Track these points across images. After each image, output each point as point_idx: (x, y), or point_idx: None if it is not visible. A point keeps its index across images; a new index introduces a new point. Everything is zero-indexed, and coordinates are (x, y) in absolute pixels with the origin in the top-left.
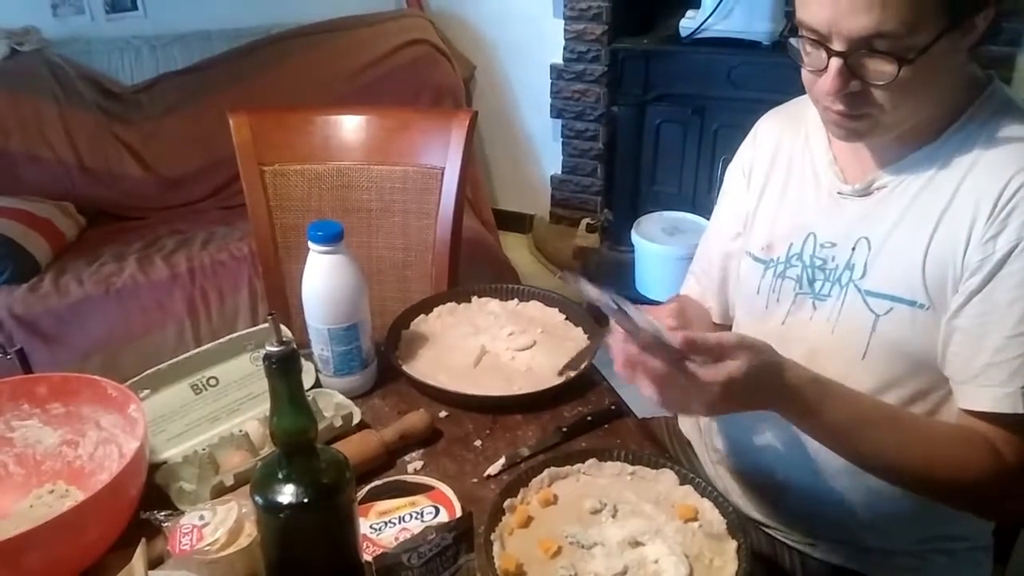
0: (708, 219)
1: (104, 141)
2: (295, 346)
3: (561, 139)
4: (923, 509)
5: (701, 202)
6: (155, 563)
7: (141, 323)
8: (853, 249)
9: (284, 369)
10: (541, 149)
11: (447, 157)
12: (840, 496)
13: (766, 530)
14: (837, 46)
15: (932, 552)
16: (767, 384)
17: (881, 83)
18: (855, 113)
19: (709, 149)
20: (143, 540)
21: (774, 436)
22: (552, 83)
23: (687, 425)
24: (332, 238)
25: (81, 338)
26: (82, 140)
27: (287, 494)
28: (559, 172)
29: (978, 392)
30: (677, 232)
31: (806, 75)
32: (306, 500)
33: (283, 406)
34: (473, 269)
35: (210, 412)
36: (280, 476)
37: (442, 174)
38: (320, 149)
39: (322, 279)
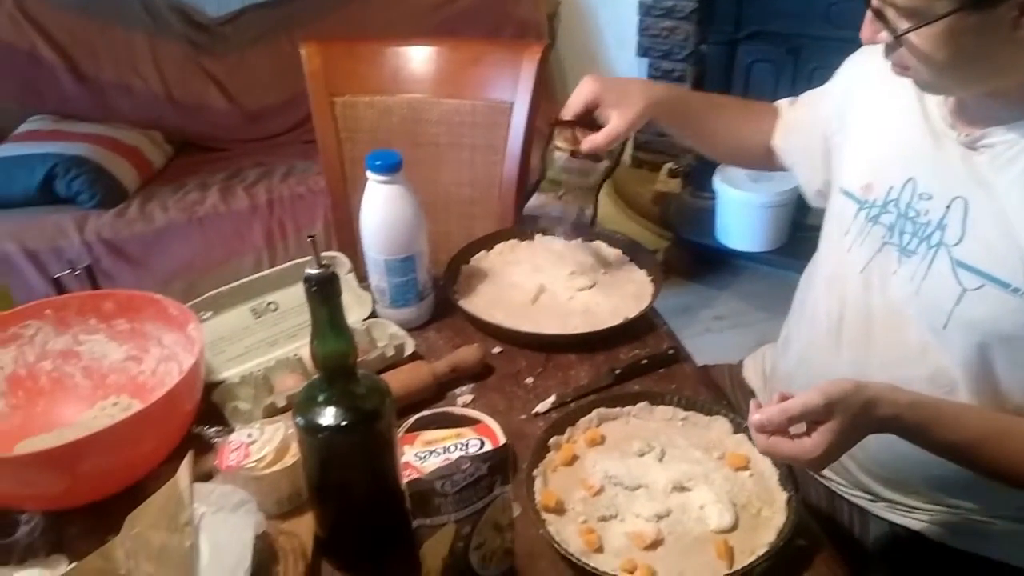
0: None
1: (191, 72)
2: (335, 270)
3: (647, 79)
4: None
5: None
6: (205, 478)
7: (221, 251)
8: (948, 207)
9: (323, 292)
10: None
11: (516, 91)
12: (927, 459)
13: (826, 482)
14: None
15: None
16: (864, 426)
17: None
18: (897, 66)
19: (803, 92)
20: (191, 452)
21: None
22: (640, 19)
23: (751, 372)
24: (390, 168)
25: (164, 263)
26: (170, 71)
27: (326, 416)
28: None
29: None
30: (762, 178)
31: None
32: (344, 423)
33: (323, 329)
34: None
35: (269, 336)
36: (320, 399)
37: (511, 109)
38: (390, 81)
39: (379, 209)
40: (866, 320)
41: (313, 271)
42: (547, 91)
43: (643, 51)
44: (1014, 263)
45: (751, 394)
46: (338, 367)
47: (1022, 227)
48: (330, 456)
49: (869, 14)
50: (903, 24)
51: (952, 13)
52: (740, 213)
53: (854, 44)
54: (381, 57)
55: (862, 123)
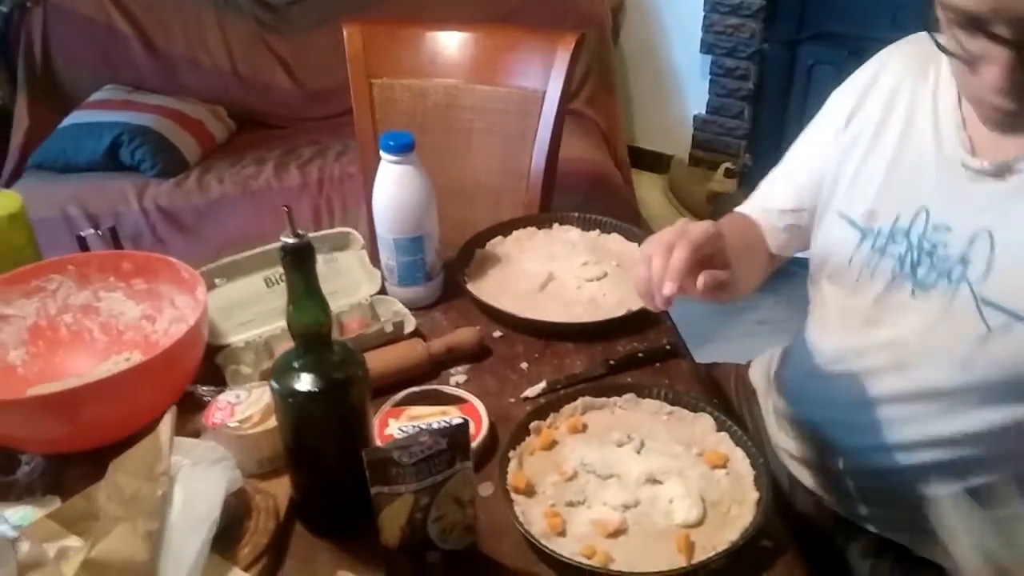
0: None
1: (257, 50)
2: (310, 240)
3: (709, 76)
4: None
5: None
6: (194, 435)
7: (271, 225)
8: (971, 241)
9: (297, 262)
10: (687, 86)
11: (548, 80)
12: (919, 480)
13: (814, 497)
14: (1004, 32)
15: None
16: None
17: None
18: None
19: None
20: (174, 406)
21: (846, 407)
22: (705, 16)
23: (756, 372)
24: (403, 148)
25: (216, 234)
26: (237, 48)
27: (300, 382)
28: (703, 112)
29: None
30: None
31: (955, 64)
32: (316, 390)
33: (298, 298)
34: (593, 206)
35: (278, 306)
36: (296, 365)
37: (543, 98)
38: (427, 65)
39: (390, 188)
40: (873, 357)
41: (288, 240)
42: (607, 85)
43: (707, 48)
44: None
45: (752, 394)
46: (312, 335)
47: None
48: (303, 421)
49: (1003, 61)
50: None
51: None
52: None
53: None
54: (419, 41)
55: (868, 146)
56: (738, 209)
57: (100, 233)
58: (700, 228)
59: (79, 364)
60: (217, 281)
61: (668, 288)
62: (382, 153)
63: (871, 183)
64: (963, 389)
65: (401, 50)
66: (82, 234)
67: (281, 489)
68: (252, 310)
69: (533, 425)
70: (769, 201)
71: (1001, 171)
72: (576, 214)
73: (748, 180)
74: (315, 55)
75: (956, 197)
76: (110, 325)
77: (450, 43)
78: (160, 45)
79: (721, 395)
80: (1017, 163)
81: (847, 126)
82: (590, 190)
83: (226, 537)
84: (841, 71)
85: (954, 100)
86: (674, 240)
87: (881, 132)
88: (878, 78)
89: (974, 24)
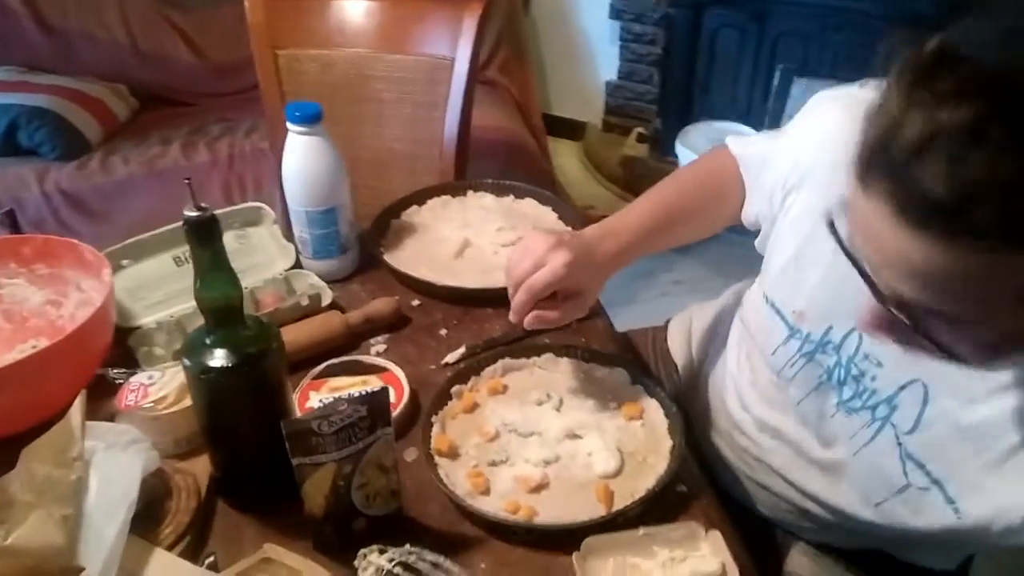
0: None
1: (158, 25)
2: (213, 213)
3: (619, 43)
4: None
5: (755, 112)
6: (109, 419)
7: (180, 205)
8: (902, 388)
9: (202, 235)
10: (598, 53)
11: (457, 47)
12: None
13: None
14: (884, 290)
15: None
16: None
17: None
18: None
19: (767, 58)
20: (84, 390)
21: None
22: None
23: (675, 335)
24: (309, 119)
25: (124, 216)
26: (136, 23)
27: (212, 358)
28: (615, 78)
29: None
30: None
31: None
32: (229, 365)
33: (205, 273)
34: (510, 174)
35: (189, 285)
36: (208, 341)
37: (452, 65)
38: (335, 35)
39: (299, 160)
40: (795, 448)
41: (191, 214)
42: (519, 53)
43: (615, 13)
44: (965, 476)
45: (675, 369)
46: (223, 309)
47: (990, 439)
48: (217, 397)
49: (874, 308)
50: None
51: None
52: None
53: (820, 9)
54: (325, 10)
55: (807, 237)
56: (732, 149)
57: None
58: (547, 273)
59: None
60: (123, 262)
61: (514, 319)
62: (289, 124)
63: (804, 283)
64: (863, 519)
65: (306, 20)
66: None
67: (201, 467)
68: (162, 290)
69: (454, 389)
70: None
71: None
72: (490, 180)
73: (659, 145)
74: (219, 28)
75: None
76: (13, 312)
77: (356, 12)
78: (54, 22)
79: (638, 357)
80: None
81: (783, 203)
82: (506, 158)
83: (147, 518)
84: (744, 33)
85: None
86: (523, 277)
87: (820, 228)
88: (816, 160)
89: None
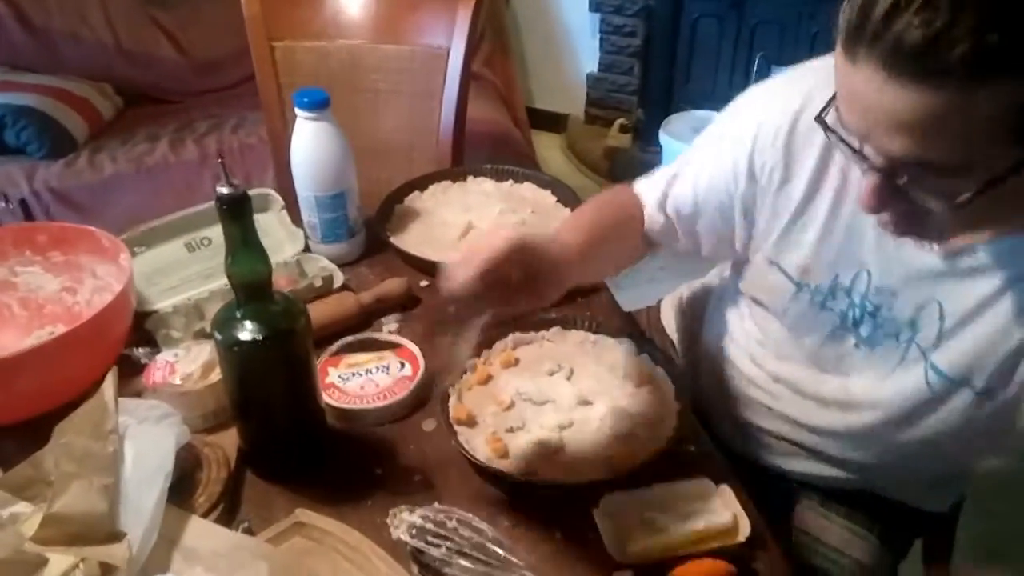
0: None
1: (141, 23)
2: (245, 190)
3: (599, 35)
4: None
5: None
6: (138, 396)
7: (170, 201)
8: (919, 308)
9: (234, 211)
10: (579, 45)
11: (452, 37)
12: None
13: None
14: (874, 160)
15: None
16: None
17: (935, 209)
18: (908, 230)
19: (746, 46)
20: (115, 367)
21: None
22: None
23: (667, 311)
24: (317, 105)
25: (112, 214)
26: (120, 21)
27: (242, 331)
28: (596, 70)
29: None
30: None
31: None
32: (259, 338)
33: (237, 248)
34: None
35: (203, 269)
36: (238, 315)
37: (447, 55)
38: (330, 26)
39: (308, 146)
40: (811, 394)
41: (224, 190)
42: (502, 46)
43: (595, 6)
44: (990, 369)
45: (672, 346)
46: (253, 284)
47: (1003, 335)
48: (247, 370)
49: (870, 183)
50: (935, 202)
51: (1021, 167)
52: None
53: None
54: (320, 2)
55: (802, 203)
56: (637, 189)
57: (12, 206)
58: (486, 246)
59: (2, 341)
60: (136, 249)
61: (444, 285)
62: (297, 111)
63: (805, 240)
64: (884, 441)
65: (302, 11)
66: None
67: (228, 441)
68: (176, 276)
69: (468, 363)
70: (665, 198)
71: (951, 254)
72: (488, 166)
73: (642, 135)
74: (202, 26)
75: (898, 264)
76: (29, 300)
77: (351, 3)
78: (38, 21)
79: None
80: (964, 252)
81: (766, 174)
82: (493, 151)
83: (180, 490)
84: (723, 22)
85: None
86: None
87: (817, 192)
88: (797, 129)
89: (852, 145)
